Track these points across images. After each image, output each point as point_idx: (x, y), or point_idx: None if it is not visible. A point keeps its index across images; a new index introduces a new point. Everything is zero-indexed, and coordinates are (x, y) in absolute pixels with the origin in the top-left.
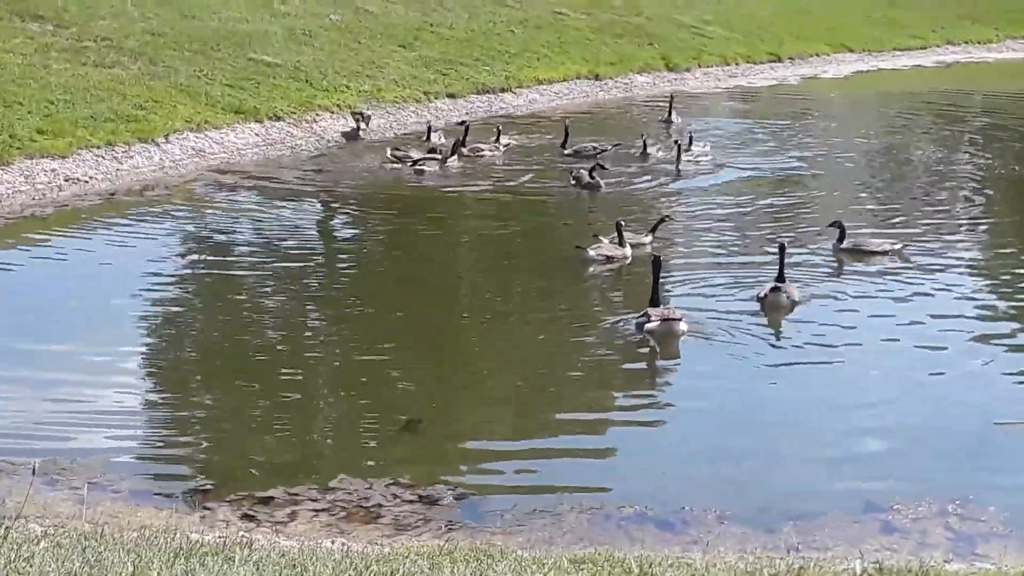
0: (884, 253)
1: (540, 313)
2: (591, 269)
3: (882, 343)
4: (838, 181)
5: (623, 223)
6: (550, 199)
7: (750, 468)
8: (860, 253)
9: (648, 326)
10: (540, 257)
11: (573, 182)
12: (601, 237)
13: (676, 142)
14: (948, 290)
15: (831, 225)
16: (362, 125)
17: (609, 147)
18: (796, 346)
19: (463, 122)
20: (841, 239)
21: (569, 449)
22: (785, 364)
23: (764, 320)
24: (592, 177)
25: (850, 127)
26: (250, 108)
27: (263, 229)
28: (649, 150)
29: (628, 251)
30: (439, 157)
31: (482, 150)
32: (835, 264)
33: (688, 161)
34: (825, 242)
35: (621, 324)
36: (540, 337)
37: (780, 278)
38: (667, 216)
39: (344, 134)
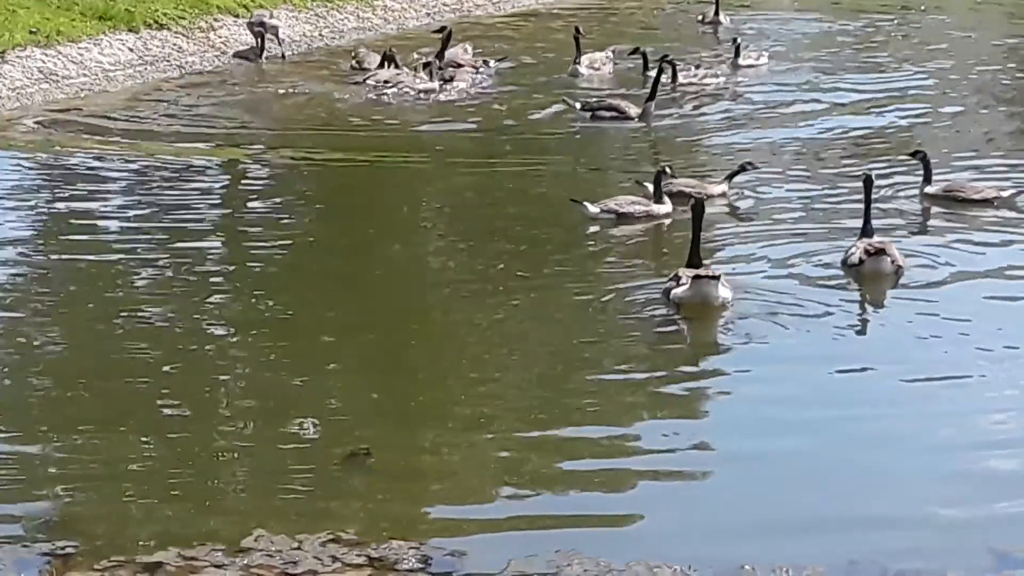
0: (987, 201)
1: (529, 299)
2: (592, 230)
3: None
4: (949, 101)
5: (669, 170)
6: (555, 139)
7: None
8: (954, 201)
9: (676, 292)
10: (538, 223)
11: (586, 112)
12: (646, 184)
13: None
14: None
15: (913, 155)
16: (269, 39)
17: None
18: (908, 337)
19: (443, 28)
20: (927, 179)
21: (572, 488)
22: (892, 365)
23: (857, 293)
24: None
25: (968, 24)
26: (120, 13)
27: (139, 194)
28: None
29: (664, 207)
30: (411, 78)
31: (461, 69)
32: (919, 215)
33: (737, 79)
34: (912, 180)
35: (642, 302)
36: (527, 334)
37: (867, 228)
38: (749, 163)
39: (238, 54)
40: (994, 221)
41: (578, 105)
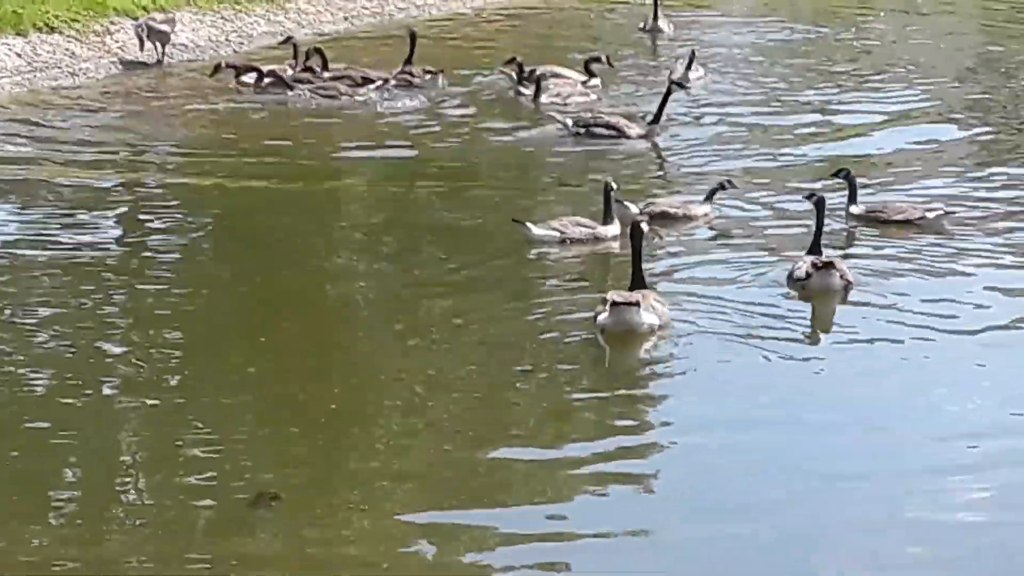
0: (909, 223)
1: (455, 329)
2: (533, 253)
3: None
4: (907, 117)
5: (613, 186)
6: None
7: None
8: (876, 221)
9: (599, 319)
10: (472, 246)
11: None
12: (627, 204)
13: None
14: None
15: (837, 175)
16: (156, 44)
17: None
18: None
19: (412, 34)
20: (852, 198)
21: (505, 529)
22: (840, 378)
23: (805, 311)
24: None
25: (936, 28)
26: (7, 15)
27: (23, 215)
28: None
29: (613, 228)
30: (315, 80)
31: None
32: (845, 235)
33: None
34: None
35: (570, 327)
36: (454, 364)
37: (817, 246)
38: (728, 180)
39: (125, 63)
40: (922, 242)
41: (569, 122)
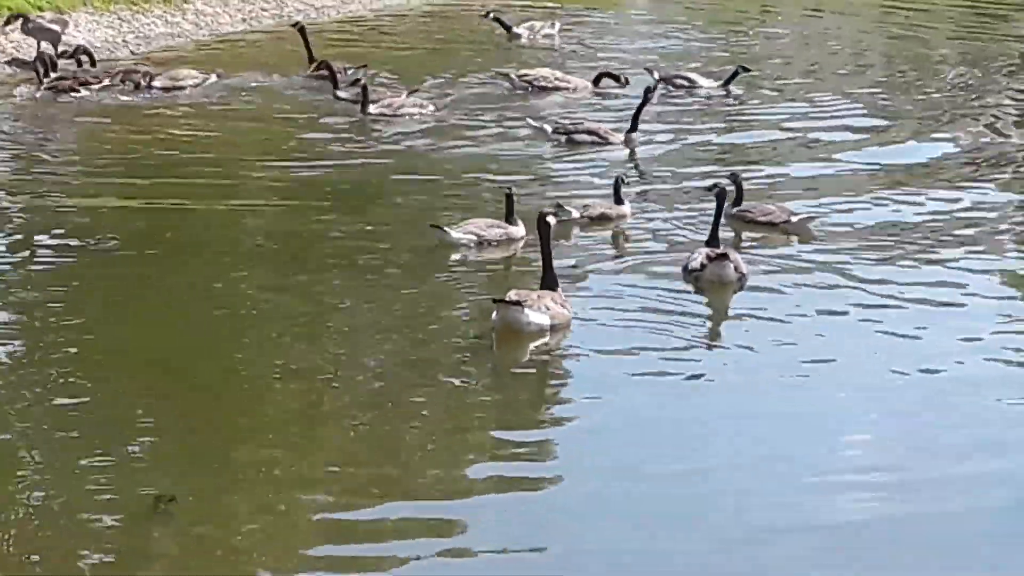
0: (774, 225)
1: (356, 329)
2: (455, 257)
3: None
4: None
5: (513, 192)
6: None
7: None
8: (743, 222)
9: (492, 317)
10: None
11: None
12: (568, 207)
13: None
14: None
15: (729, 179)
16: (46, 44)
17: None
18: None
19: (297, 23)
20: (738, 201)
21: (404, 526)
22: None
23: (700, 302)
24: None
25: (840, 27)
26: None
27: None
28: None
29: (520, 229)
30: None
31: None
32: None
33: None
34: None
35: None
36: (354, 361)
37: (714, 238)
38: (620, 177)
39: (19, 63)
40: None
41: (549, 128)
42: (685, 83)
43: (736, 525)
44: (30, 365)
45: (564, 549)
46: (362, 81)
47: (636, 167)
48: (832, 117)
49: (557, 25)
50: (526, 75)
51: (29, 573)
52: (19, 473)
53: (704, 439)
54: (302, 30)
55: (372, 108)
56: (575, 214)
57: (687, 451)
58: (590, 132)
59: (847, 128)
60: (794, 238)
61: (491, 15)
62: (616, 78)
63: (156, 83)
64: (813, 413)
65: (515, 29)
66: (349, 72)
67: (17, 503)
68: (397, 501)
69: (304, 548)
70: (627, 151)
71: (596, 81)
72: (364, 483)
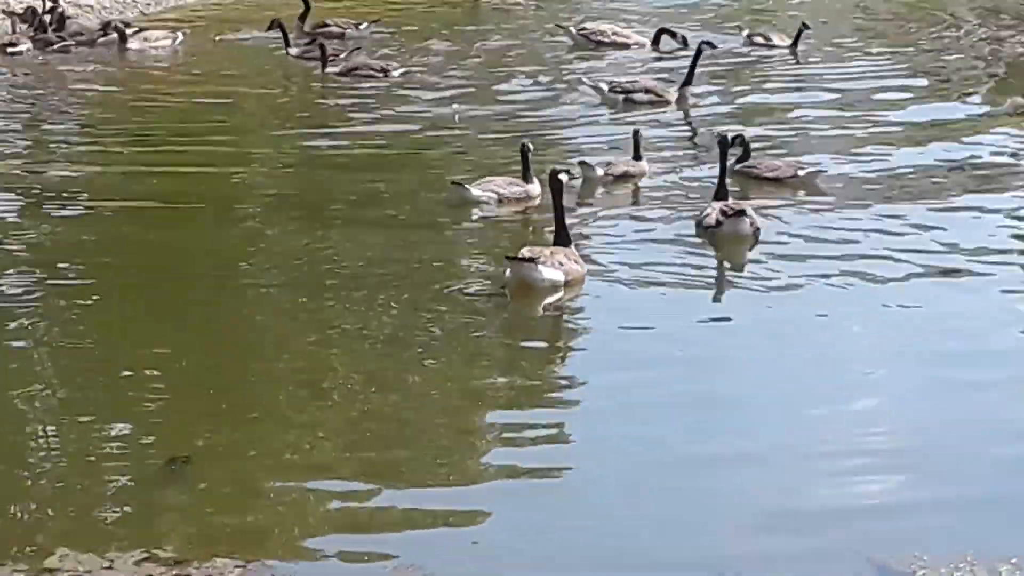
0: (778, 180)
1: (375, 279)
2: (474, 215)
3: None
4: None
5: (530, 147)
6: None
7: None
8: (749, 177)
9: (507, 274)
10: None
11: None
12: (593, 164)
13: None
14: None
15: (733, 140)
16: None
17: None
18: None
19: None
20: (744, 156)
21: (411, 493)
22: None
23: (714, 258)
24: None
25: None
26: None
27: None
28: None
29: (536, 187)
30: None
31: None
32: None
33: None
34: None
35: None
36: (369, 317)
37: (721, 191)
38: (637, 130)
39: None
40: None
41: (605, 87)
42: (762, 41)
43: (766, 510)
44: (45, 331)
45: (582, 531)
46: (319, 40)
47: (687, 122)
48: (884, 76)
49: None
50: (584, 28)
51: (44, 531)
52: (33, 440)
53: (727, 412)
54: None
55: (329, 68)
56: (599, 172)
57: (708, 424)
58: (647, 90)
59: (896, 88)
60: (801, 192)
61: None
62: (674, 35)
63: (131, 44)
64: (838, 385)
65: None
66: (361, 27)
67: (31, 467)
68: (408, 486)
69: (316, 532)
70: (680, 110)
71: (656, 39)
72: (374, 463)
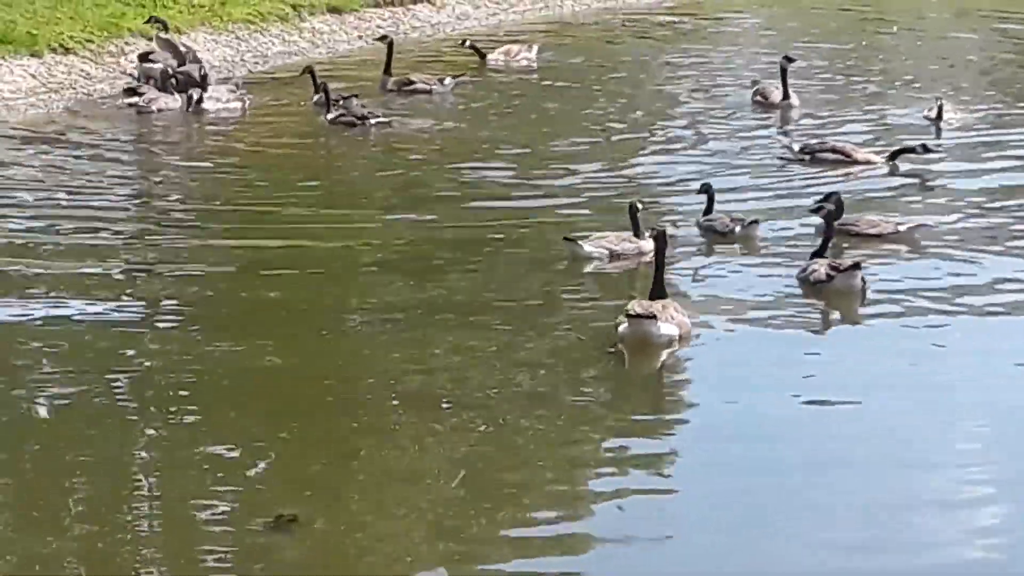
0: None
1: (479, 339)
2: (586, 269)
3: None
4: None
5: (639, 206)
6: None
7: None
8: (851, 236)
9: (620, 329)
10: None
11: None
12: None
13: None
14: None
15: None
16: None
17: None
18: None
19: (384, 37)
20: (838, 213)
21: (515, 547)
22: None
23: (821, 309)
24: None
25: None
26: (22, 36)
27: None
28: None
29: (649, 243)
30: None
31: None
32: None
33: None
34: None
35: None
36: (477, 376)
37: (823, 248)
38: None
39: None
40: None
41: (796, 147)
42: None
43: (860, 535)
44: (148, 386)
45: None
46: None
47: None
48: None
49: (535, 49)
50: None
51: None
52: (135, 495)
53: (835, 451)
54: (390, 44)
55: (330, 115)
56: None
57: (817, 464)
58: (834, 150)
59: None
60: (903, 247)
61: (467, 43)
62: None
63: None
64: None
65: (489, 56)
66: (446, 83)
67: (132, 526)
68: (517, 516)
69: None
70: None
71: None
72: (485, 494)
